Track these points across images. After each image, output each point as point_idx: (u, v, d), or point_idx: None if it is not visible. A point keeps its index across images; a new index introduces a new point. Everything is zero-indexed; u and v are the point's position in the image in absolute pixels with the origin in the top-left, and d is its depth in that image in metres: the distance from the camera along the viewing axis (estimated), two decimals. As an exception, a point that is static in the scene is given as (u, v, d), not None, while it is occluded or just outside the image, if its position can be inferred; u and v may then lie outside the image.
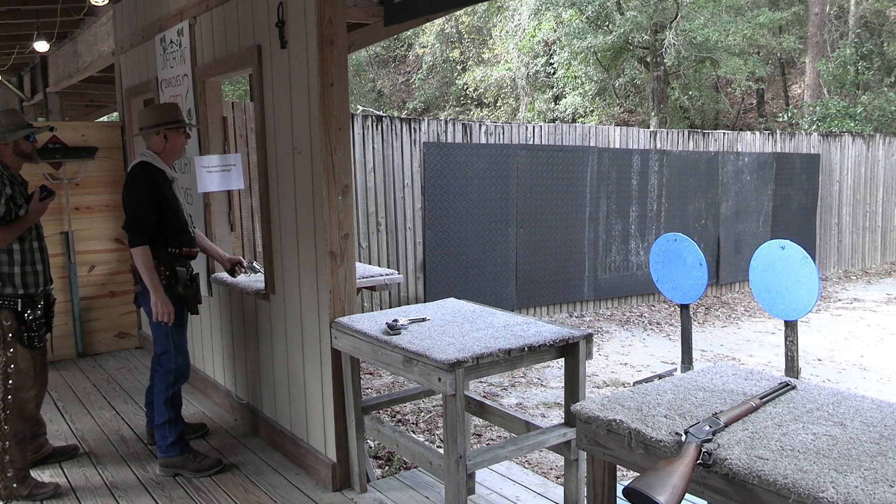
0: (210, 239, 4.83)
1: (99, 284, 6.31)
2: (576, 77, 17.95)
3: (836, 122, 15.61)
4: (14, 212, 3.51)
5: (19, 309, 3.53)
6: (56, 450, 4.07)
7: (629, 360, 7.28)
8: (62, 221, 6.08)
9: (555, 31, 17.63)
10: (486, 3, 18.88)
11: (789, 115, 17.90)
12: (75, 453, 4.13)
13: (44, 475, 3.83)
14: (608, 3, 16.62)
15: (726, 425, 1.89)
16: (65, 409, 4.95)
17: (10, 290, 3.51)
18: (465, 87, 20.84)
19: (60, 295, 6.05)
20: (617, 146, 9.39)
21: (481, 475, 3.73)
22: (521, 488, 3.67)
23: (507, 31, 18.79)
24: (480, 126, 8.34)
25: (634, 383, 6.26)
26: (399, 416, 5.27)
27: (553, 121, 18.23)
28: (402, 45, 23.46)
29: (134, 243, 3.63)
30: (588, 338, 3.09)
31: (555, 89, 19.02)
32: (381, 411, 5.06)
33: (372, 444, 4.34)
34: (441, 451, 2.98)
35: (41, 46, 7.61)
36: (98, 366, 6.01)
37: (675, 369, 6.49)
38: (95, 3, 5.84)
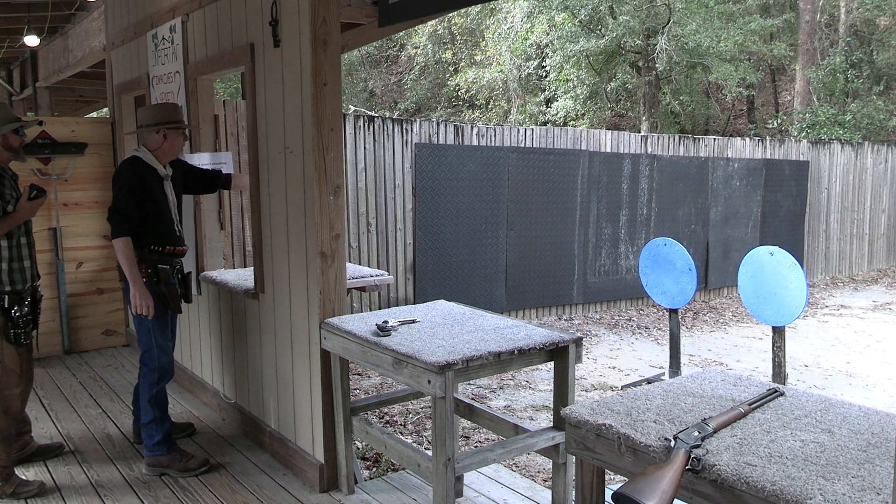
0: (199, 237, 4.81)
1: (86, 281, 6.27)
2: (568, 80, 17.99)
3: (825, 129, 15.71)
4: (2, 207, 3.49)
5: (6, 305, 3.50)
6: (41, 448, 4.04)
7: (617, 363, 7.30)
8: (50, 217, 6.03)
9: (547, 34, 17.67)
10: (479, 6, 18.90)
11: (779, 121, 18.01)
12: (60, 451, 4.09)
13: (28, 473, 3.79)
14: (601, 8, 16.66)
15: (715, 431, 1.89)
16: (50, 406, 4.91)
17: None
18: (457, 88, 20.85)
19: (47, 291, 6.00)
20: (608, 150, 9.41)
21: (469, 478, 3.73)
22: (508, 491, 3.67)
23: (500, 34, 18.81)
24: (472, 128, 8.35)
25: (623, 387, 6.29)
26: (387, 418, 5.27)
27: (544, 124, 18.27)
28: (395, 46, 23.44)
29: (115, 234, 3.62)
30: (578, 341, 3.09)
31: (546, 92, 19.06)
32: (369, 412, 5.05)
33: (360, 445, 4.33)
34: (429, 453, 2.98)
35: (31, 41, 7.57)
36: (85, 363, 5.97)
37: (664, 374, 6.51)
38: (87, -1, 5.81)
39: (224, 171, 4.51)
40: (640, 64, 17.47)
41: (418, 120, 8.05)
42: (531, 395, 6.09)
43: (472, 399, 5.05)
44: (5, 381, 3.53)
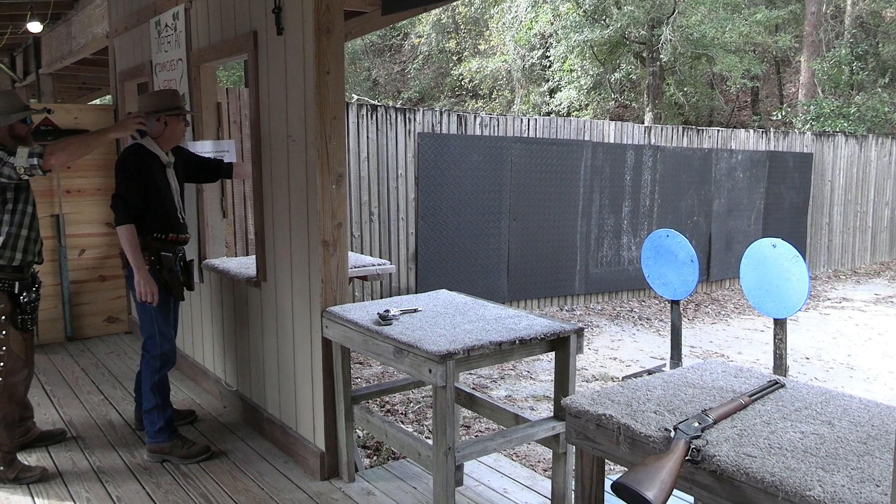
0: (202, 224, 4.81)
1: (89, 268, 6.28)
2: (571, 70, 17.93)
3: (829, 121, 15.66)
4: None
5: (16, 291, 3.51)
6: (43, 434, 4.06)
7: (619, 354, 7.30)
8: (53, 204, 6.04)
9: (552, 23, 17.60)
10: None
11: (783, 113, 17.94)
12: (62, 437, 4.11)
13: (30, 459, 3.81)
14: (606, -3, 16.61)
15: (715, 422, 1.90)
16: (53, 393, 4.93)
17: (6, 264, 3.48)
18: (461, 78, 20.79)
19: (50, 278, 6.02)
20: (611, 141, 9.39)
21: (469, 467, 3.74)
22: (508, 481, 3.68)
23: (504, 23, 18.74)
24: (475, 117, 8.33)
25: (623, 378, 6.29)
26: (388, 407, 5.28)
27: (548, 114, 18.21)
28: (398, 35, 23.37)
29: (119, 222, 3.63)
30: (579, 332, 3.09)
31: (550, 82, 18.99)
32: (370, 401, 5.06)
33: (361, 433, 4.34)
34: (430, 441, 2.99)
35: (34, 27, 7.55)
36: (87, 350, 5.99)
37: (664, 365, 6.51)
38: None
39: (226, 160, 4.50)
40: (645, 54, 17.40)
41: (421, 109, 8.03)
42: (532, 385, 6.10)
43: (473, 388, 5.06)
44: (11, 367, 3.55)
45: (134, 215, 3.65)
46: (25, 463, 3.68)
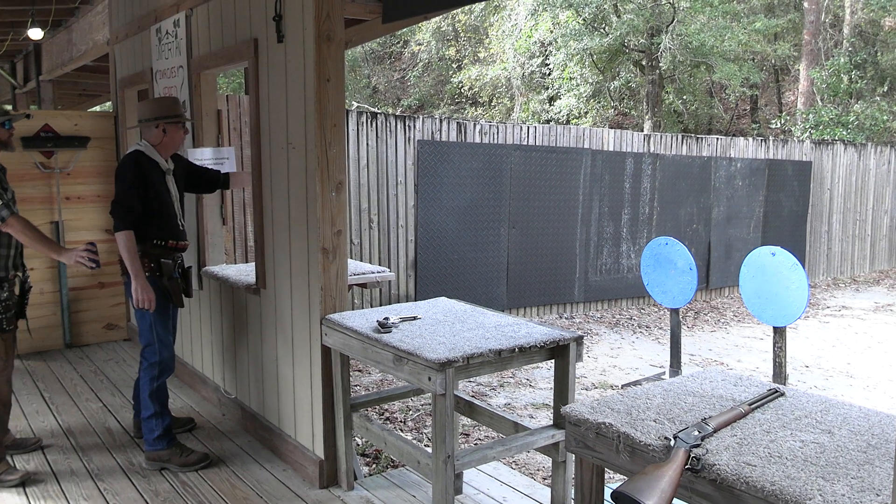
0: (201, 232, 4.81)
1: (88, 275, 6.26)
2: (571, 78, 17.97)
3: (828, 130, 15.69)
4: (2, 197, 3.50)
5: None
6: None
7: (618, 362, 7.29)
8: (52, 211, 6.04)
9: (551, 31, 17.64)
10: (483, 3, 18.86)
11: (782, 121, 17.98)
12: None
13: (29, 466, 3.80)
14: (605, 6, 16.64)
15: (715, 431, 1.89)
16: (51, 400, 4.92)
17: None
18: (460, 85, 20.83)
19: (49, 285, 6.02)
20: (611, 149, 9.40)
21: (469, 475, 3.73)
22: (508, 489, 3.67)
23: (504, 31, 18.79)
24: (475, 125, 8.34)
25: (623, 386, 6.29)
26: (387, 414, 5.27)
27: (547, 122, 18.24)
28: (398, 42, 23.42)
29: (118, 228, 3.63)
30: (578, 340, 3.09)
31: (550, 90, 19.03)
32: (369, 409, 5.05)
33: (360, 441, 4.33)
34: (429, 450, 2.98)
35: (35, 34, 7.57)
36: (86, 357, 5.98)
37: (664, 373, 6.51)
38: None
39: (226, 167, 4.51)
40: (644, 63, 17.44)
41: (421, 117, 8.04)
42: (531, 393, 6.09)
43: (473, 396, 5.05)
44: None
45: (133, 222, 3.66)
46: (11, 464, 3.68)
